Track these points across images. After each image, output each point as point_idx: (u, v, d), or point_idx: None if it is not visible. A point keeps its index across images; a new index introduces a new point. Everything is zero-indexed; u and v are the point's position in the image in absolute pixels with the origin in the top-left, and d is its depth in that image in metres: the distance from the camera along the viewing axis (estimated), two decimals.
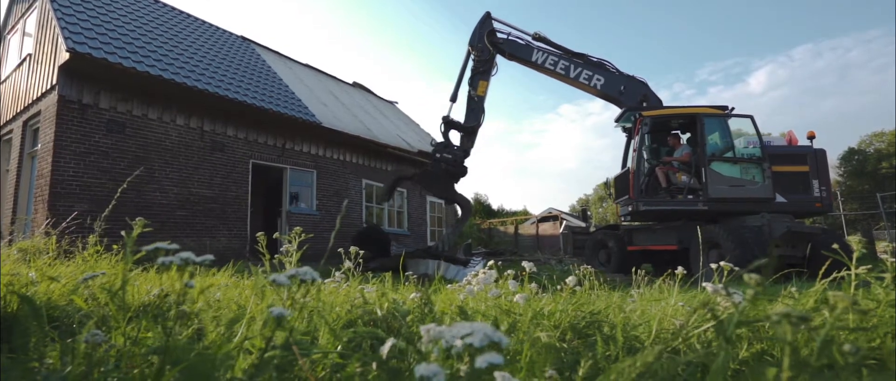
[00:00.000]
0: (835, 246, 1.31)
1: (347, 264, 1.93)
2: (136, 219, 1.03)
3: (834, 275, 1.33)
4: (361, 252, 2.35)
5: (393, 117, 17.81)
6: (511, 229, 22.38)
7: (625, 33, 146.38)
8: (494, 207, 37.35)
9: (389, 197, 9.10)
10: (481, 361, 0.35)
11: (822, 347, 0.42)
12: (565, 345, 1.05)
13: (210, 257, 0.65)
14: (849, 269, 1.29)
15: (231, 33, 13.77)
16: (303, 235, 1.57)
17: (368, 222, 13.16)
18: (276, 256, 1.60)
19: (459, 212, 8.13)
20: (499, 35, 8.39)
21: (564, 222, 20.34)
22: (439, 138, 8.48)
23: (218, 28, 13.41)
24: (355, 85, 19.07)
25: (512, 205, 43.07)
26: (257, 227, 11.23)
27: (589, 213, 36.27)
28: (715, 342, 1.11)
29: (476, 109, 8.38)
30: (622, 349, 0.98)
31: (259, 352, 0.60)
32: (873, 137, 37.32)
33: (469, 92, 8.41)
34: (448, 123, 8.26)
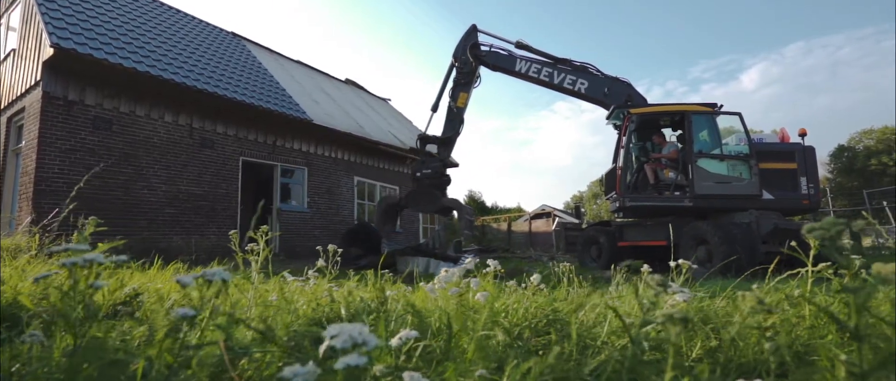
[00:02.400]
0: (793, 243, 1.32)
1: (321, 262, 1.92)
2: (90, 218, 1.01)
3: (788, 272, 1.34)
4: (342, 250, 2.35)
5: (385, 114, 17.76)
6: (504, 226, 22.43)
7: (623, 32, 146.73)
8: (488, 204, 37.44)
9: (389, 225, 9.27)
10: (341, 363, 0.34)
11: (727, 347, 0.42)
12: (520, 344, 1.05)
13: (123, 257, 0.64)
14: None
15: (221, 30, 13.65)
16: (270, 234, 1.56)
17: (360, 220, 13.13)
18: (242, 253, 1.59)
19: (458, 217, 8.27)
20: (482, 47, 8.50)
21: (557, 219, 20.42)
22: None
23: (208, 24, 13.29)
24: (347, 82, 18.99)
25: (506, 202, 43.16)
26: (247, 225, 11.17)
27: (583, 209, 36.41)
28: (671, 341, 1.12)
29: (454, 119, 8.56)
30: (576, 347, 0.99)
31: (174, 352, 0.59)
32: (862, 134, 37.74)
33: (449, 103, 8.58)
34: (424, 139, 8.49)
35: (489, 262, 1.48)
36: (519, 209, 34.78)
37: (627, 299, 1.54)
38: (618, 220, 8.83)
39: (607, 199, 8.71)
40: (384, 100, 20.42)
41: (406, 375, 0.44)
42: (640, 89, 8.09)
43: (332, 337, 0.37)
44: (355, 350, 0.35)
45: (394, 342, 0.69)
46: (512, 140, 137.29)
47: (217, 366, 0.73)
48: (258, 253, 1.64)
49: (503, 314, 1.24)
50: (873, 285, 0.49)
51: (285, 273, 1.80)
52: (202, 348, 0.62)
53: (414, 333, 0.65)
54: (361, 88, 19.44)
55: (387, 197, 11.43)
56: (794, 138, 7.69)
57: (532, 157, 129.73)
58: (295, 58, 16.47)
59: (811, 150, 7.41)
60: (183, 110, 9.12)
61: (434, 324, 1.13)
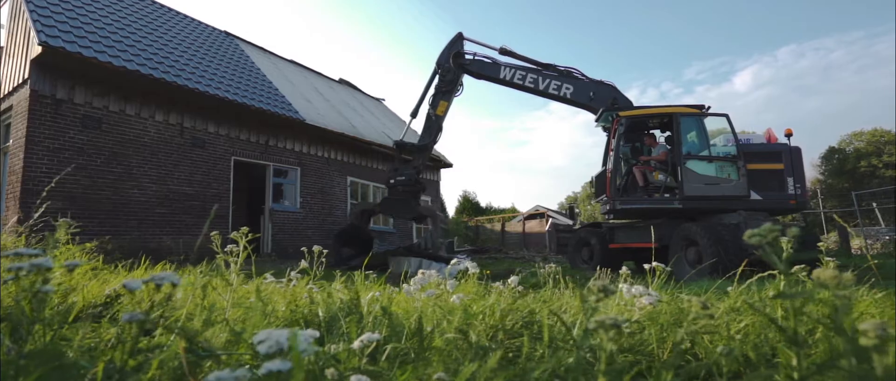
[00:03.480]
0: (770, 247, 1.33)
1: (303, 263, 1.92)
2: (61, 220, 1.01)
3: (759, 275, 1.36)
4: (334, 250, 2.35)
5: (379, 115, 17.74)
6: (498, 226, 22.48)
7: (622, 32, 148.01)
8: (483, 204, 37.46)
9: (365, 225, 9.40)
10: (264, 368, 0.35)
11: (680, 351, 0.43)
12: (494, 345, 1.06)
13: (76, 262, 0.64)
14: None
15: (214, 28, 13.58)
16: (255, 234, 1.55)
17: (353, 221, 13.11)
18: (220, 254, 1.58)
19: (432, 224, 8.36)
20: (467, 55, 8.49)
21: (550, 220, 20.50)
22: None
23: (200, 23, 13.21)
24: (341, 82, 18.95)
25: (501, 202, 43.25)
26: (239, 225, 11.11)
27: (577, 210, 36.54)
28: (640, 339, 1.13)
29: (432, 127, 8.58)
30: (548, 349, 1.00)
31: (127, 354, 0.59)
32: (853, 136, 38.14)
33: (428, 110, 8.58)
34: (400, 147, 8.54)
35: (471, 263, 1.48)
36: (513, 210, 34.85)
37: (609, 302, 1.55)
38: (611, 222, 8.88)
39: (597, 201, 8.75)
40: (378, 100, 20.40)
41: (354, 377, 0.45)
42: (635, 91, 8.25)
43: (259, 343, 0.38)
44: (278, 357, 0.35)
45: (355, 344, 0.69)
46: (508, 140, 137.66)
47: (181, 368, 0.73)
48: (242, 254, 1.64)
49: (480, 316, 1.25)
50: (810, 290, 0.50)
51: (268, 274, 1.80)
52: (162, 351, 0.62)
53: (376, 336, 0.65)
54: (355, 87, 19.40)
55: (361, 203, 11.52)
56: (781, 139, 7.76)
57: (529, 157, 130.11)
58: (288, 57, 16.43)
59: (797, 150, 7.48)
60: (174, 109, 9.05)
61: (409, 326, 1.13)
